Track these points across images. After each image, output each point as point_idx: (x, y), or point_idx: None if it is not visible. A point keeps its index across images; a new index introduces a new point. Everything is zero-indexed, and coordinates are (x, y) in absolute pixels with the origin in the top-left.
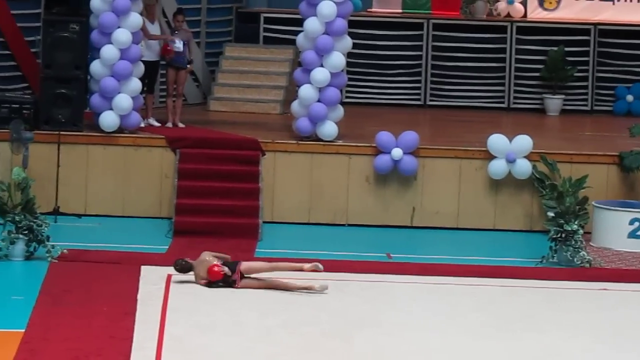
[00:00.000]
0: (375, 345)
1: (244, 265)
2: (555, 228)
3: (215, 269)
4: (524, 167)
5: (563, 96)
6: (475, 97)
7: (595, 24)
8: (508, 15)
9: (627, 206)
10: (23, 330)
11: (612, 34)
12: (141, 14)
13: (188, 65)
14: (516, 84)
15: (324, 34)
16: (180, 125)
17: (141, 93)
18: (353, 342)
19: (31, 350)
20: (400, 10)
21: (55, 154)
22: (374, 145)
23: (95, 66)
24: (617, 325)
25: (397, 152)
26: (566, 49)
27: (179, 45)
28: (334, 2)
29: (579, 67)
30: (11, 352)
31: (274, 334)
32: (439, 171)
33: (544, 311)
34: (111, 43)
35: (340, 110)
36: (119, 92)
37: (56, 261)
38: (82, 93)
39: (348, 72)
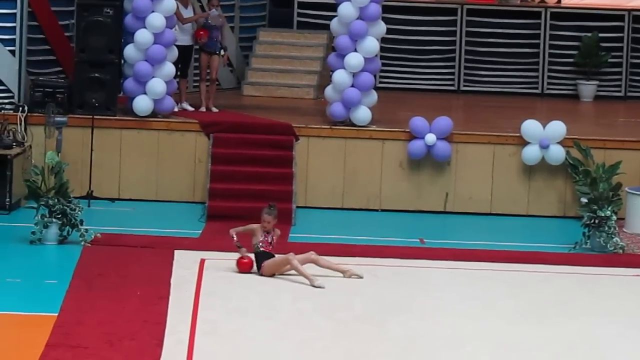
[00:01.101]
0: (409, 330)
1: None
2: (588, 214)
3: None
4: (557, 153)
5: (597, 82)
6: (508, 82)
7: (629, 10)
8: (542, 1)
9: None
10: (57, 314)
11: None
12: None
13: (222, 53)
14: (550, 70)
15: (358, 19)
16: (214, 109)
17: (175, 77)
18: (387, 327)
19: (65, 334)
20: None
21: (89, 138)
22: (408, 130)
23: (129, 50)
24: None
25: (430, 138)
26: (600, 34)
27: (214, 13)
28: None
29: (613, 53)
30: (45, 336)
31: (307, 318)
32: (472, 157)
33: (577, 297)
34: (145, 27)
35: (374, 96)
36: (153, 77)
37: (89, 245)
38: (116, 77)
39: (382, 58)
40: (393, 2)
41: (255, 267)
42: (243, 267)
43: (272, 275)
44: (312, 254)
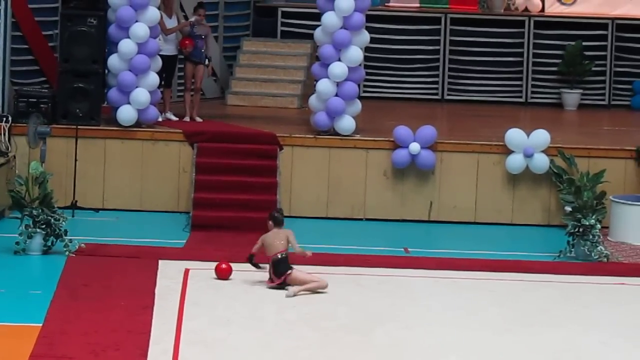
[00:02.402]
0: (394, 339)
1: (293, 274)
2: (572, 222)
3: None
4: (541, 162)
5: (581, 90)
6: (492, 91)
7: (612, 19)
8: (526, 9)
9: None
10: (41, 325)
11: (629, 28)
12: (159, 8)
13: (207, 63)
14: (534, 79)
15: (341, 28)
16: (198, 119)
17: (159, 87)
18: (372, 336)
19: (49, 344)
20: (418, 5)
21: (72, 148)
22: (392, 139)
23: (113, 60)
24: (634, 319)
25: (414, 147)
26: (584, 43)
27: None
28: None
29: (597, 62)
30: (29, 346)
31: (292, 328)
32: (456, 166)
33: (562, 306)
34: (129, 37)
35: (357, 105)
36: (137, 87)
37: (74, 255)
38: (100, 87)
39: (366, 67)
40: (377, 12)
41: (270, 276)
42: (222, 274)
43: (285, 285)
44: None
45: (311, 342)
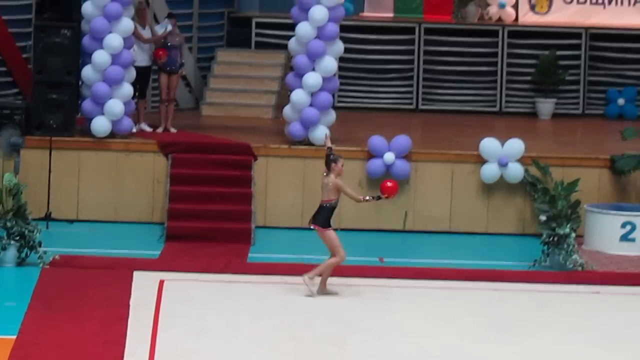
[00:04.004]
0: (369, 349)
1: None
2: (547, 231)
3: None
4: (516, 171)
5: (555, 100)
6: (467, 101)
7: (586, 28)
8: (499, 19)
9: (619, 209)
10: (15, 337)
11: (603, 37)
12: (133, 19)
13: (180, 69)
14: (508, 88)
15: (315, 38)
16: (172, 130)
17: (133, 98)
18: (347, 347)
19: (24, 356)
20: (392, 15)
21: (47, 160)
22: (367, 149)
23: (87, 71)
24: (609, 327)
25: (389, 157)
26: (558, 52)
27: (170, 27)
28: (326, 7)
29: (571, 71)
30: (4, 358)
31: (267, 338)
32: (431, 175)
33: (537, 314)
34: (103, 48)
35: (332, 115)
36: (111, 98)
37: (48, 267)
38: (74, 98)
39: (340, 77)
40: (351, 22)
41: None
42: (389, 191)
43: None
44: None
45: (286, 352)
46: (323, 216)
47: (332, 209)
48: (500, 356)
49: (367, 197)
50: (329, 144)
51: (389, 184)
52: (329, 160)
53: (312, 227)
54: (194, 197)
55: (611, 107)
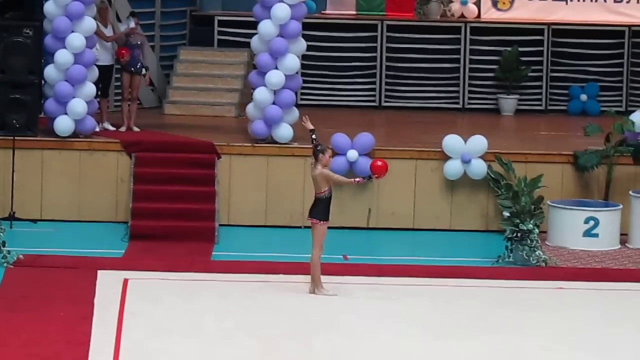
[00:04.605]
0: (334, 346)
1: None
2: (510, 228)
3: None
4: (479, 168)
5: (517, 96)
6: (430, 97)
7: (548, 24)
8: (462, 16)
9: (582, 205)
10: None
11: (565, 33)
12: (95, 18)
13: (144, 72)
14: (471, 85)
15: (278, 36)
16: (135, 129)
17: (96, 97)
18: (312, 344)
19: None
20: (355, 12)
21: (10, 159)
22: (330, 147)
23: (50, 71)
24: (573, 324)
25: (352, 154)
26: (520, 49)
27: (132, 24)
28: (288, 5)
29: (533, 67)
30: None
31: (232, 336)
32: (394, 172)
33: (501, 311)
34: (65, 48)
35: (295, 113)
36: (74, 97)
37: (12, 267)
38: (37, 98)
39: (303, 75)
40: (313, 19)
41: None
42: (379, 170)
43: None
44: None
45: (251, 350)
46: (321, 208)
47: (328, 199)
48: (464, 353)
49: (358, 179)
50: (309, 126)
51: (379, 162)
52: (316, 151)
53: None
54: (157, 196)
55: (574, 103)
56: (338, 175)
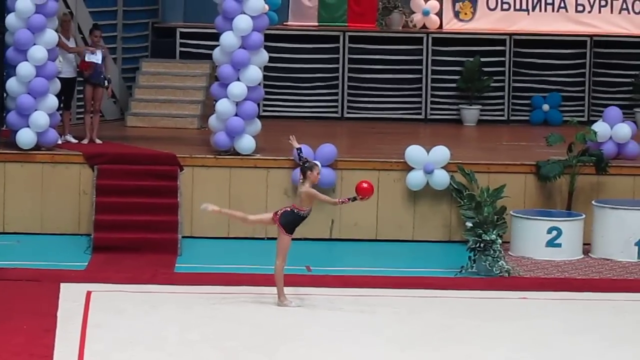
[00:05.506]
0: (298, 357)
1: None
2: (473, 238)
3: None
4: (441, 178)
5: (480, 106)
6: (392, 108)
7: (510, 34)
8: (424, 26)
9: (545, 215)
10: None
11: (527, 43)
12: (56, 30)
13: (106, 83)
14: (433, 95)
15: (240, 48)
16: (98, 141)
17: (58, 110)
18: (276, 356)
19: None
20: (316, 24)
21: None
22: (292, 158)
23: (12, 83)
24: (536, 334)
25: None
26: (482, 59)
27: (97, 57)
28: (250, 16)
29: (495, 77)
30: None
31: (196, 348)
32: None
33: (464, 321)
34: (27, 60)
35: (257, 124)
36: (36, 109)
37: None
38: None
39: (265, 86)
40: (275, 31)
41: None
42: (365, 192)
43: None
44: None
45: None
46: (292, 222)
47: (301, 218)
48: None
49: (343, 200)
50: (296, 145)
51: (364, 184)
52: (304, 168)
53: (275, 221)
54: (120, 208)
55: (536, 113)
56: (323, 195)
